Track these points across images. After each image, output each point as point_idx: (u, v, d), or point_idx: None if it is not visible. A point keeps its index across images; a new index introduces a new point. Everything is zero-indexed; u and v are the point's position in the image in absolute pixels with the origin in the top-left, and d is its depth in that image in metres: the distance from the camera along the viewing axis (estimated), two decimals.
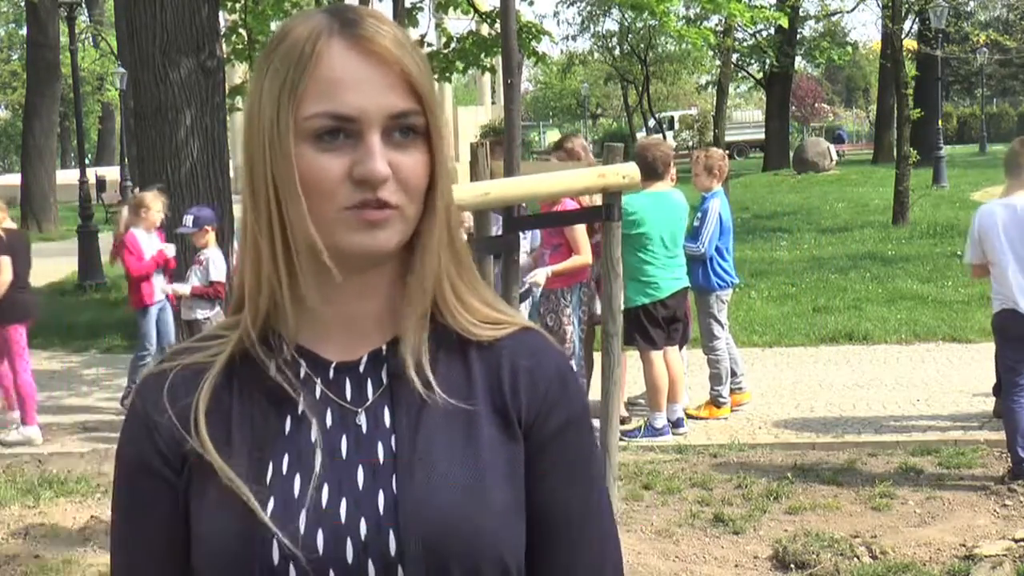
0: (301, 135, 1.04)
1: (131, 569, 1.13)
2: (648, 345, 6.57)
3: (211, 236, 7.24)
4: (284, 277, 1.08)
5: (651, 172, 6.53)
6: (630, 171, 2.94)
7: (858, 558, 4.57)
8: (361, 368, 1.11)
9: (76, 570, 4.83)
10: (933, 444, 6.14)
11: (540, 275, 6.40)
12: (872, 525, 4.98)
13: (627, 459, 5.97)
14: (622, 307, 6.54)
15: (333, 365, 1.11)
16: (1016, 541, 4.69)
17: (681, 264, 6.65)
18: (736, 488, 5.58)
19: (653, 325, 6.55)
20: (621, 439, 6.55)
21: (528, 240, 6.81)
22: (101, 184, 32.40)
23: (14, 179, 32.08)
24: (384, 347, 1.12)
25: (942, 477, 5.62)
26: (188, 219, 7.23)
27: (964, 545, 4.69)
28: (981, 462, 5.81)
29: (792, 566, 4.57)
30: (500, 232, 3.27)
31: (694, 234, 6.85)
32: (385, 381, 1.11)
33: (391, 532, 1.03)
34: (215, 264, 7.13)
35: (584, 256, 6.44)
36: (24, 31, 33.57)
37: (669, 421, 6.68)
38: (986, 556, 4.52)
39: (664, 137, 42.09)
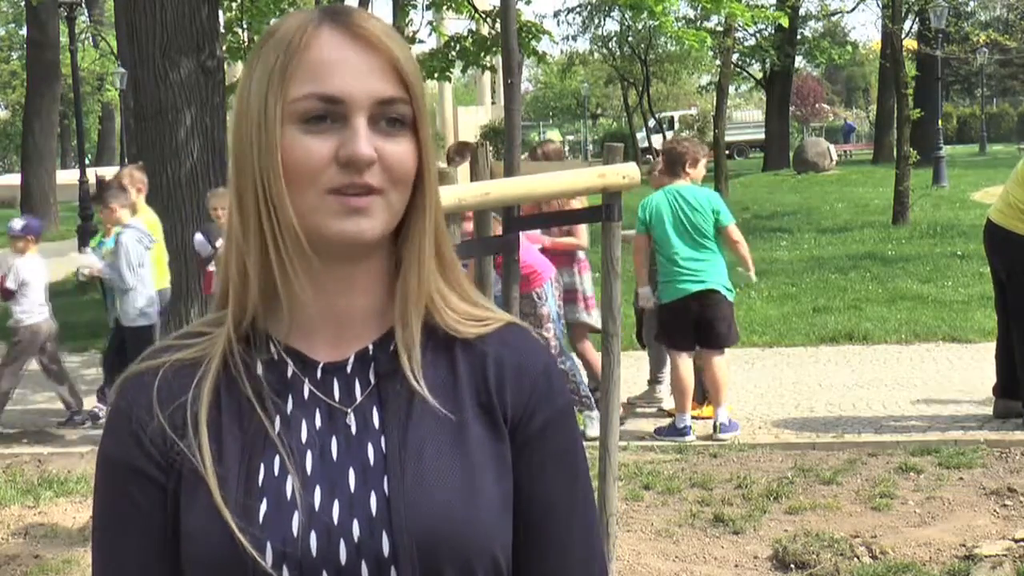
0: (289, 118, 1.05)
1: (118, 573, 1.10)
2: (669, 345, 6.60)
3: None
4: (277, 271, 1.07)
5: (672, 168, 6.58)
6: (630, 171, 2.93)
7: (858, 558, 4.57)
8: (348, 368, 1.11)
9: (76, 570, 4.83)
10: (933, 444, 6.14)
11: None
12: (872, 525, 4.98)
13: (627, 459, 5.97)
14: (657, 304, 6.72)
15: (320, 365, 1.11)
16: (1016, 541, 4.68)
17: (706, 263, 6.46)
18: (736, 488, 5.57)
19: (673, 325, 6.53)
20: (652, 438, 6.58)
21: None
22: (101, 184, 32.39)
23: (14, 179, 32.11)
24: (371, 347, 1.12)
25: (942, 477, 5.61)
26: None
27: (964, 545, 4.69)
28: (981, 462, 5.80)
29: (792, 566, 4.57)
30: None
31: None
32: (373, 381, 1.10)
33: (384, 533, 1.04)
34: None
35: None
36: (24, 31, 33.58)
37: (714, 425, 6.59)
38: (986, 556, 4.52)
39: (664, 137, 42.15)
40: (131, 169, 7.95)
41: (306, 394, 1.10)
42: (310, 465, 1.07)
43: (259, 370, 1.10)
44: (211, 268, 7.23)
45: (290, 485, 1.05)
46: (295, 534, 1.03)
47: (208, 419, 1.07)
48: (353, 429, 1.09)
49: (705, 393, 6.97)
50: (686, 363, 6.53)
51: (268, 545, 1.02)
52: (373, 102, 1.05)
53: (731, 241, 6.60)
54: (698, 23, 25.06)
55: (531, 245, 6.47)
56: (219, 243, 6.82)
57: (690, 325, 6.48)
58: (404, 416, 1.09)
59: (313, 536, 1.03)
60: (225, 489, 1.04)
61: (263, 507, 1.04)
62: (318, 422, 1.09)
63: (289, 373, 1.10)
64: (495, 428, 1.11)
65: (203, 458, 1.05)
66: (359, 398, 1.10)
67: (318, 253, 1.06)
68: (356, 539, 1.04)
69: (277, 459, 1.06)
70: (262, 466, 1.06)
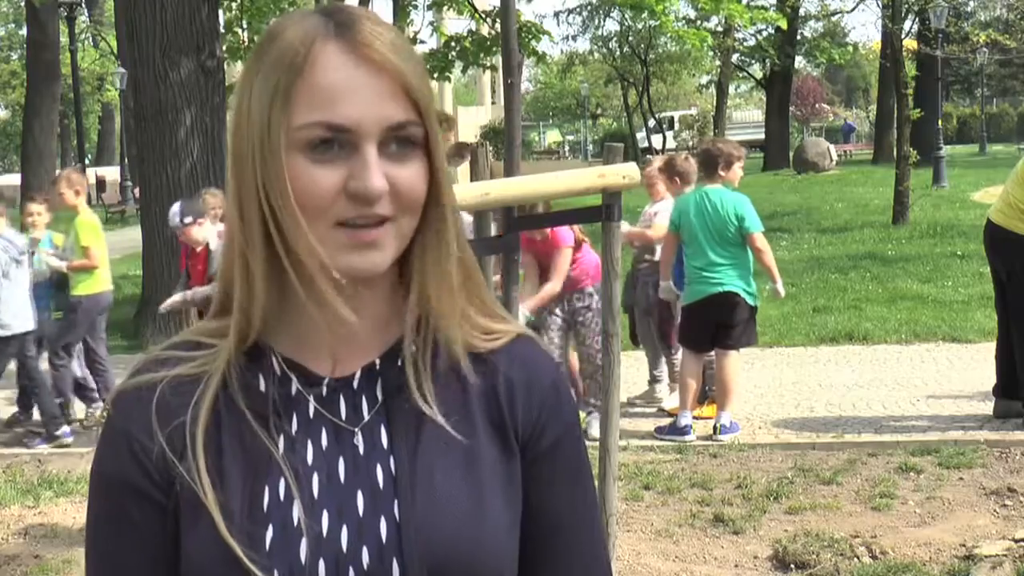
0: (293, 144, 0.99)
1: None
2: (684, 345, 6.69)
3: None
4: (283, 289, 1.04)
5: (706, 169, 6.62)
6: (630, 171, 2.93)
7: (858, 558, 4.57)
8: (355, 384, 1.07)
9: (76, 570, 4.83)
10: (933, 444, 6.14)
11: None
12: (872, 525, 4.98)
13: (627, 459, 5.97)
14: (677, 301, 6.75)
15: (326, 381, 1.06)
16: (1016, 541, 4.68)
17: (725, 266, 6.44)
18: (736, 488, 5.57)
19: (690, 326, 6.60)
20: (652, 438, 6.60)
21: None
22: (101, 184, 32.40)
23: (14, 179, 32.12)
24: (378, 361, 1.08)
25: (942, 477, 5.61)
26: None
27: (964, 545, 4.69)
28: (981, 462, 5.80)
29: (792, 566, 4.57)
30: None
31: None
32: (380, 398, 1.07)
33: (394, 560, 1.01)
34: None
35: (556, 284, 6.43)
36: (24, 31, 33.59)
37: (714, 427, 6.59)
38: (986, 556, 4.52)
39: (664, 137, 42.19)
40: (69, 172, 7.97)
41: (311, 412, 1.06)
42: (316, 488, 1.03)
43: (262, 387, 1.05)
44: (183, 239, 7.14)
45: (296, 510, 1.01)
46: (303, 562, 0.99)
47: (207, 440, 1.03)
48: (361, 449, 1.05)
49: (707, 393, 6.99)
50: (695, 360, 6.56)
51: (275, 573, 0.99)
52: (383, 128, 0.99)
53: (755, 250, 6.53)
54: (698, 23, 25.09)
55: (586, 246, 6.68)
56: (188, 220, 6.77)
57: (708, 327, 6.50)
58: (413, 435, 1.05)
59: (322, 564, 1.00)
60: (228, 515, 1.00)
61: (269, 533, 1.00)
62: (324, 442, 1.05)
63: (293, 390, 1.06)
64: (507, 447, 1.09)
65: (202, 484, 1.01)
66: (366, 416, 1.06)
67: (338, 279, 1.01)
68: (365, 566, 1.01)
69: (282, 482, 1.02)
70: (266, 489, 1.02)
